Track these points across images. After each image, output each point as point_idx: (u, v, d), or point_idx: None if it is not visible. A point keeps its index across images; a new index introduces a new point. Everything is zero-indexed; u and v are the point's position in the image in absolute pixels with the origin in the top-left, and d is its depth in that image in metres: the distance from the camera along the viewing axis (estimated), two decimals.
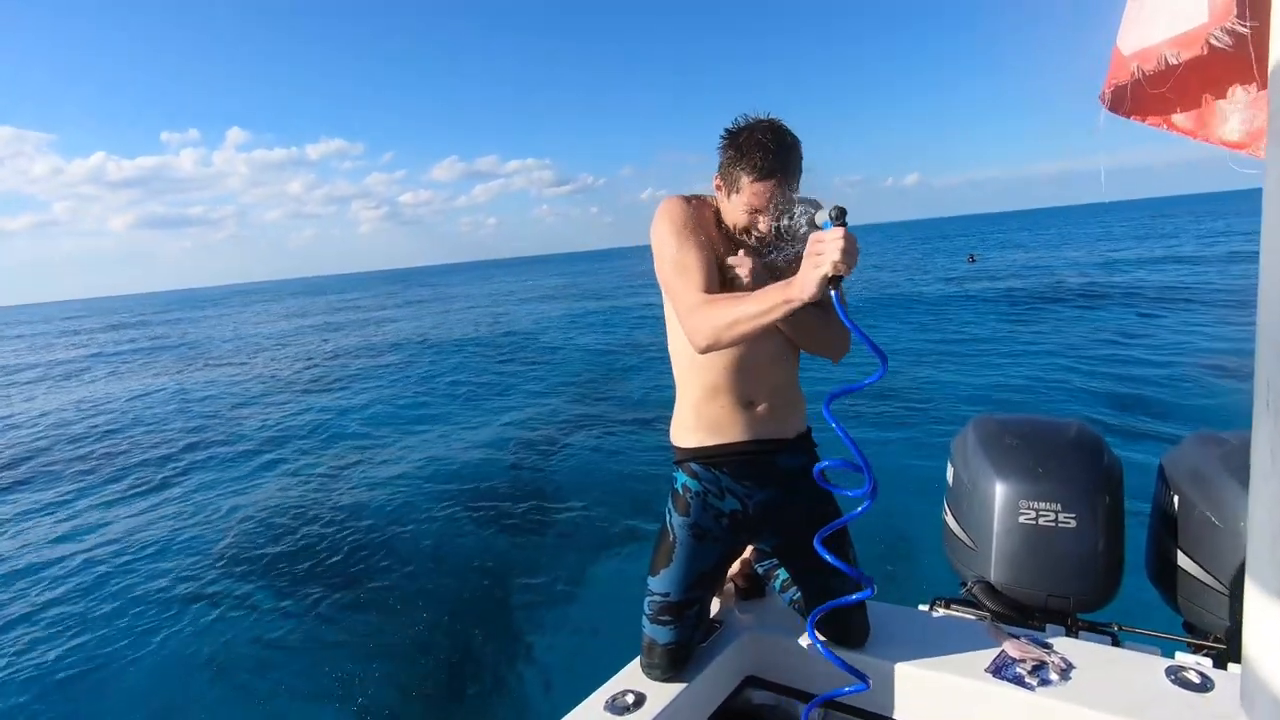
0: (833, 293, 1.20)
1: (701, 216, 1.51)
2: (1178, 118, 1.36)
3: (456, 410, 11.66)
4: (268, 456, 9.83)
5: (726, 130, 1.45)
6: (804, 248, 1.21)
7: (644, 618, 1.59)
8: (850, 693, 1.37)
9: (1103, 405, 8.14)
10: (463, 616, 4.67)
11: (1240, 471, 1.86)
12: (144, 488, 8.86)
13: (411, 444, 9.73)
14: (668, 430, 1.69)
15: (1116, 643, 1.94)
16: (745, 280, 1.47)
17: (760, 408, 1.56)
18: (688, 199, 1.52)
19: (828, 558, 1.29)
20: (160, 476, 9.30)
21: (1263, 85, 1.22)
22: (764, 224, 1.42)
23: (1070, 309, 16.63)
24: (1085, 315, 15.46)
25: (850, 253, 1.15)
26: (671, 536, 1.58)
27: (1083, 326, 14.03)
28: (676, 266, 1.45)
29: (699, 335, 1.37)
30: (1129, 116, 1.39)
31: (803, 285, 1.19)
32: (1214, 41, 0.99)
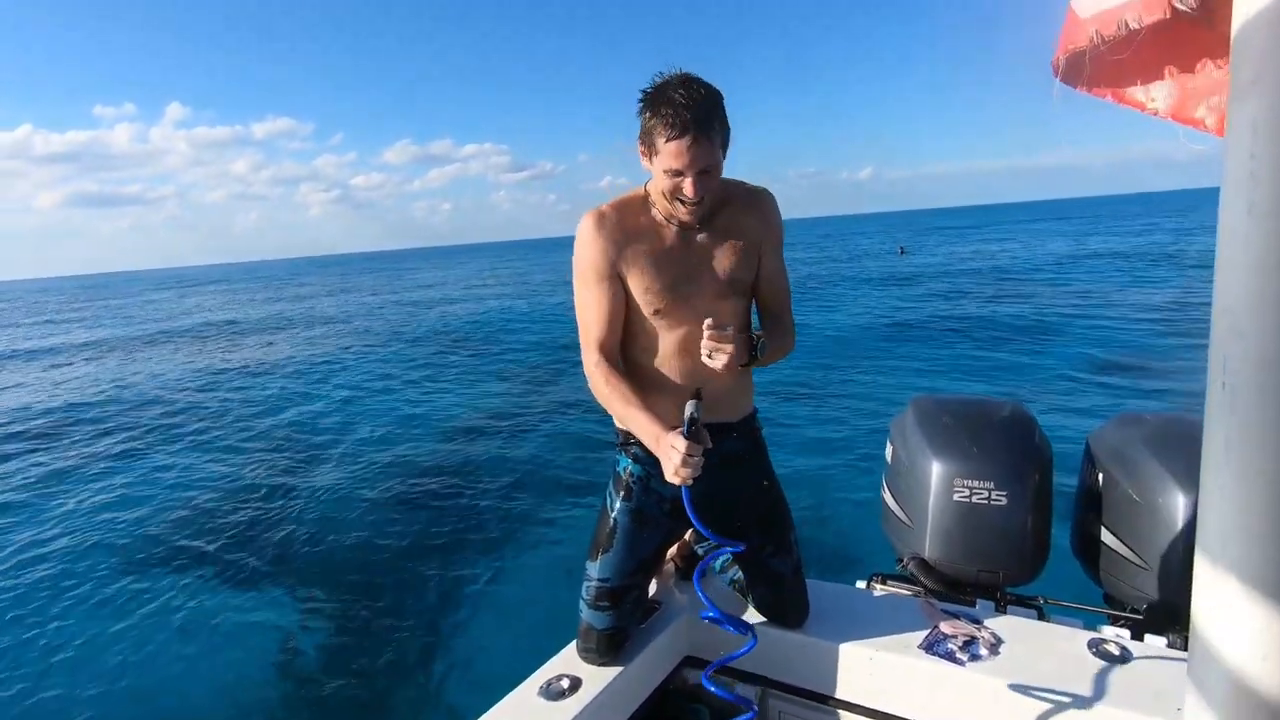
0: (684, 491, 1.30)
1: (622, 228, 1.44)
2: (1137, 90, 1.24)
3: (399, 395, 11.37)
4: (200, 439, 9.43)
5: (641, 91, 1.36)
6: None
7: (581, 602, 1.55)
8: (743, 654, 1.36)
9: (1035, 385, 8.48)
10: (392, 599, 4.57)
11: (1161, 450, 1.94)
12: (69, 470, 8.40)
13: (351, 427, 9.46)
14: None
15: (1042, 616, 2.00)
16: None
17: (708, 390, 1.49)
18: (601, 216, 1.45)
19: (698, 526, 1.32)
20: (88, 457, 8.83)
21: (1225, 55, 1.16)
22: (689, 187, 1.34)
23: (999, 302, 17.27)
24: (1014, 308, 16.04)
25: (682, 472, 1.26)
26: (612, 521, 1.54)
27: (1008, 313, 14.56)
28: (579, 317, 1.49)
29: (591, 387, 1.47)
30: (1085, 89, 1.27)
31: (662, 462, 1.31)
32: (1178, 4, 0.93)
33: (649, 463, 1.53)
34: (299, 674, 4.01)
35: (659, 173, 1.37)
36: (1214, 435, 0.71)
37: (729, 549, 1.38)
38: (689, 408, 1.31)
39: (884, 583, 2.20)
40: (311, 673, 3.95)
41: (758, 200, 1.52)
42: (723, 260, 1.47)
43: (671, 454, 1.26)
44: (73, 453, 9.27)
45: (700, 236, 1.47)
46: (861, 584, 2.25)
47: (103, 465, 8.58)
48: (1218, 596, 0.72)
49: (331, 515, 6.38)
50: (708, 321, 1.32)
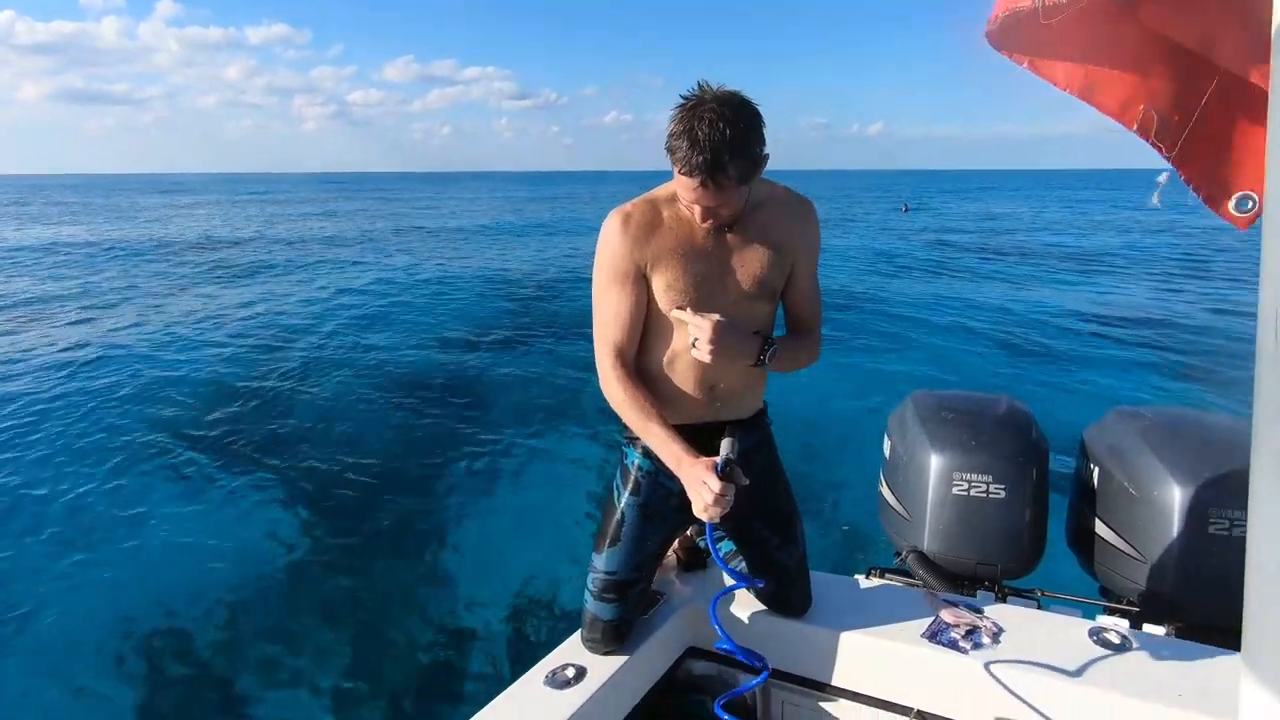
0: (709, 530, 1.32)
1: (648, 224, 1.40)
2: (1059, 66, 1.16)
3: (401, 329, 11.09)
4: (196, 344, 9.25)
5: (680, 97, 1.30)
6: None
7: (587, 593, 1.55)
8: (753, 686, 1.43)
9: (1029, 381, 8.48)
10: (394, 580, 4.50)
11: (1157, 445, 1.96)
12: (61, 362, 8.29)
13: (351, 349, 9.22)
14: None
15: (1040, 608, 2.02)
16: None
17: (721, 387, 1.50)
18: (627, 216, 1.40)
19: (720, 564, 1.39)
20: (77, 352, 8.71)
21: (1145, 45, 1.09)
22: (698, 214, 1.33)
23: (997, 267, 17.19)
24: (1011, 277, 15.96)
25: (711, 510, 1.26)
26: (619, 514, 1.54)
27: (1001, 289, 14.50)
28: (597, 317, 1.46)
29: (604, 391, 1.45)
30: (1009, 53, 1.17)
31: (688, 490, 1.31)
32: None
33: (658, 458, 1.53)
34: (284, 597, 3.96)
35: (676, 187, 1.35)
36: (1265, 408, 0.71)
37: (742, 580, 1.47)
38: (724, 447, 1.30)
39: (882, 575, 2.22)
40: (303, 608, 3.90)
41: (798, 208, 1.48)
42: (753, 262, 1.43)
43: (703, 491, 1.26)
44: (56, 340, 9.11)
45: (731, 236, 1.43)
46: (860, 577, 2.26)
47: (96, 356, 8.45)
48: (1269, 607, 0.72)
49: (330, 430, 6.29)
50: (688, 310, 1.35)
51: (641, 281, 1.41)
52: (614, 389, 1.42)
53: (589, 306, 1.48)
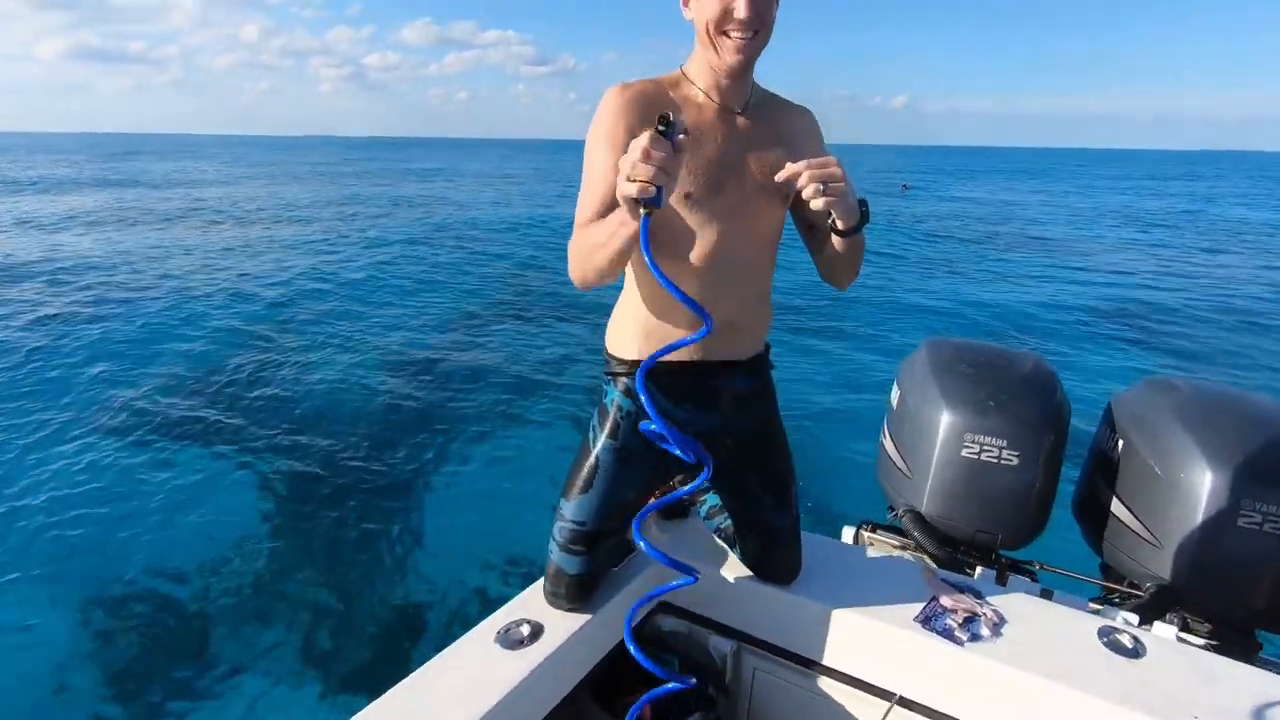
0: (642, 215, 0.97)
1: (653, 99, 1.21)
2: None
3: (382, 294, 10.93)
4: (185, 312, 9.12)
5: None
6: None
7: (552, 542, 1.39)
8: (678, 586, 1.21)
9: (1053, 337, 8.20)
10: (341, 510, 4.47)
11: (1191, 422, 1.78)
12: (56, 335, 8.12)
13: (334, 319, 9.14)
14: (602, 332, 1.43)
15: (1034, 580, 1.91)
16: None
17: (719, 317, 1.29)
18: (628, 85, 1.23)
19: (660, 425, 1.11)
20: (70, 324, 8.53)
21: None
22: (742, 5, 1.12)
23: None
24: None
25: (638, 171, 0.91)
26: (594, 459, 1.36)
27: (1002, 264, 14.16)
28: (580, 196, 1.22)
29: (570, 272, 1.20)
30: None
31: (619, 183, 0.97)
32: None
33: (640, 397, 1.34)
34: (253, 556, 3.97)
35: (705, 2, 1.15)
36: None
37: (704, 477, 1.14)
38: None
39: (874, 531, 2.09)
40: (265, 563, 3.91)
41: (801, 111, 1.37)
42: (766, 153, 1.26)
43: (628, 155, 0.94)
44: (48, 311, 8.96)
45: (742, 120, 1.26)
46: (849, 530, 2.14)
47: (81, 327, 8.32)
48: None
49: (302, 402, 6.22)
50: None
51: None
52: (573, 244, 1.18)
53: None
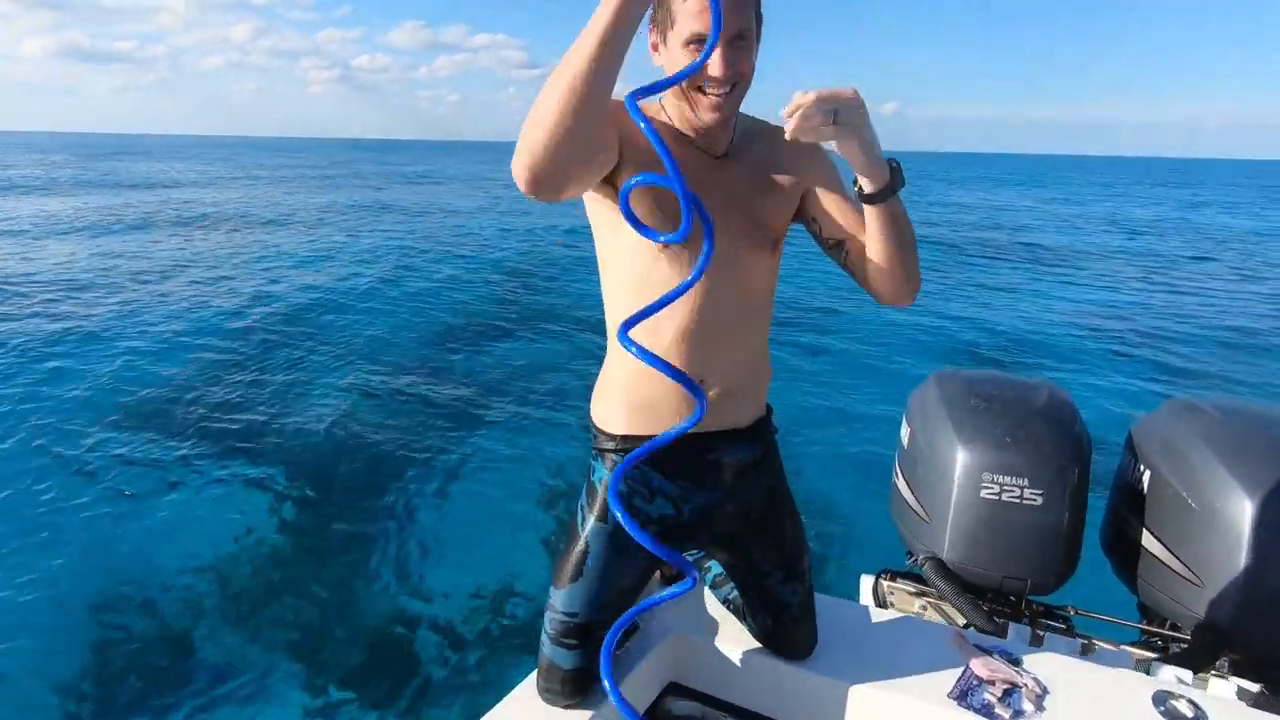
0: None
1: (630, 126, 1.03)
2: None
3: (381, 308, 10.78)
4: (182, 317, 8.94)
5: None
6: None
7: (544, 635, 1.27)
8: (677, 594, 1.09)
9: (1063, 360, 7.94)
10: (334, 520, 4.31)
11: (1223, 447, 1.67)
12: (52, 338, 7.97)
13: (320, 330, 8.96)
14: (589, 396, 1.32)
15: (1071, 628, 1.79)
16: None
17: (712, 390, 1.17)
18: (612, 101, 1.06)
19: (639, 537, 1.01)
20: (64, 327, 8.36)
21: None
22: (716, 62, 1.00)
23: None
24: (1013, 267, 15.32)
25: None
26: (583, 543, 1.23)
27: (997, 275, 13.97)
28: None
29: (520, 141, 0.89)
30: None
31: None
32: None
33: (632, 477, 1.22)
34: (255, 570, 3.84)
35: (675, 50, 1.02)
36: None
37: (687, 586, 1.07)
38: None
39: (894, 580, 1.97)
40: (267, 578, 3.78)
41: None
42: (751, 195, 1.14)
43: None
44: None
45: (723, 165, 1.14)
46: (868, 579, 2.01)
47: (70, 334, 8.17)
48: None
49: (306, 407, 6.08)
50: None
51: (614, 155, 1.04)
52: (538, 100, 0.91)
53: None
